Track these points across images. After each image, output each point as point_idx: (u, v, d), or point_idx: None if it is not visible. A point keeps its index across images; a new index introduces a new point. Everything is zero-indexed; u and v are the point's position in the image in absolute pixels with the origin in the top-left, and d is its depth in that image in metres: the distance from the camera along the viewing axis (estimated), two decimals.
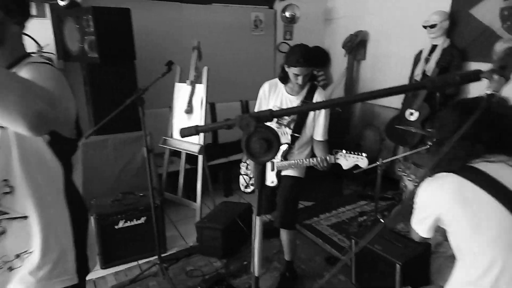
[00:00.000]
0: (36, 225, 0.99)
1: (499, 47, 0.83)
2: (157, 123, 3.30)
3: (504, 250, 0.99)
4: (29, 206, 0.98)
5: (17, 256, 1.01)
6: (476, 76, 0.69)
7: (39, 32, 2.92)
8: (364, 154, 1.96)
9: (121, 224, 2.52)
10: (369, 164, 2.70)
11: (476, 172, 1.07)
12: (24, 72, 0.91)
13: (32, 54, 1.05)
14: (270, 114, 0.80)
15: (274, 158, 0.81)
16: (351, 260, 2.29)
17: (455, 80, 0.69)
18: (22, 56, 1.00)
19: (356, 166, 1.99)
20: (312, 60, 2.06)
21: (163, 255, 2.55)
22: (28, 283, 1.02)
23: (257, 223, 0.92)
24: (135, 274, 2.44)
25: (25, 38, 1.05)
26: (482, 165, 1.07)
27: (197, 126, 0.89)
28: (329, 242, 2.80)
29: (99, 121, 2.22)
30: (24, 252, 1.01)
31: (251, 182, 2.41)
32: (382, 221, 2.65)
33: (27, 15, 1.01)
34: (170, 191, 3.42)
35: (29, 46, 1.28)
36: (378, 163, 2.70)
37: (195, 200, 3.10)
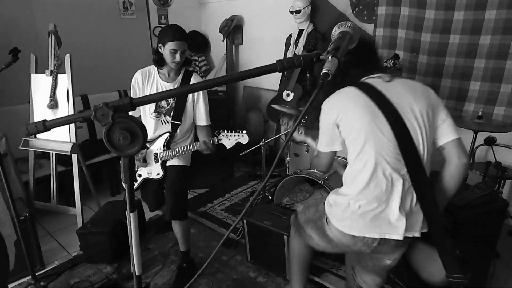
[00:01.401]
0: None
1: (334, 31, 1.01)
2: (14, 122, 2.78)
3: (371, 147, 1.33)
4: None
5: None
6: (317, 57, 0.78)
7: None
8: (244, 131, 2.03)
9: None
10: (253, 144, 2.84)
11: (365, 85, 1.38)
12: None
13: None
14: (130, 102, 0.75)
15: (140, 149, 0.76)
16: (244, 239, 2.39)
17: (299, 61, 0.77)
18: None
19: (239, 144, 2.05)
20: (186, 36, 2.03)
21: (39, 272, 2.22)
22: None
23: (131, 219, 0.87)
24: None
25: None
26: (369, 80, 1.40)
27: (45, 121, 0.79)
28: (225, 226, 2.86)
29: None
30: None
31: (137, 175, 2.27)
32: (270, 197, 2.82)
33: None
34: (43, 199, 2.98)
35: None
36: (261, 143, 2.86)
37: (75, 206, 2.77)
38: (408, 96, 1.35)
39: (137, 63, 2.92)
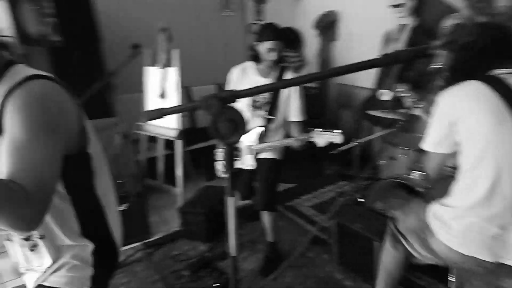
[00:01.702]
0: (49, 247, 0.97)
1: (447, 23, 0.94)
2: (131, 109, 3.18)
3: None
4: (46, 228, 0.95)
5: (37, 267, 1.01)
6: (425, 51, 0.72)
7: None
8: (338, 131, 1.97)
9: None
10: (346, 144, 2.77)
11: (494, 80, 1.17)
12: (8, 115, 0.78)
13: (13, 63, 0.88)
14: (233, 94, 0.80)
15: (241, 139, 0.81)
16: (333, 239, 2.35)
17: (405, 56, 0.72)
18: (1, 72, 0.84)
19: (332, 144, 2.01)
20: (282, 35, 2.09)
21: (147, 240, 2.52)
22: None
23: (229, 204, 0.93)
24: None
25: None
26: (501, 74, 1.17)
27: (162, 108, 0.87)
28: (311, 223, 2.86)
29: None
30: (40, 266, 1.00)
31: None
32: (362, 200, 2.73)
33: None
34: (151, 177, 3.34)
35: None
36: (353, 143, 2.77)
37: (176, 185, 3.06)
38: None
39: (233, 58, 3.09)
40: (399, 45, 3.31)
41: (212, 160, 3.69)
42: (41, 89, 0.81)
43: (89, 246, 1.02)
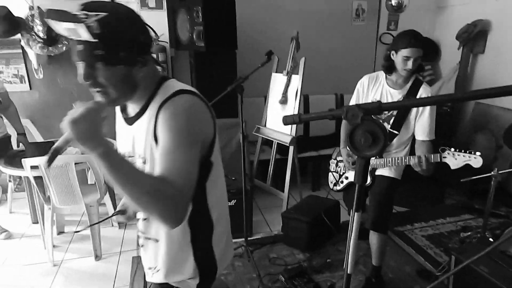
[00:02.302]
0: (163, 249, 1.08)
1: None
2: (252, 112, 3.41)
3: None
4: (160, 232, 1.07)
5: (149, 268, 1.16)
6: None
7: (157, 22, 3.24)
8: (477, 153, 1.74)
9: None
10: (479, 172, 2.39)
11: None
12: (160, 125, 0.91)
13: (165, 79, 1.01)
14: (379, 106, 0.76)
15: (379, 153, 0.76)
16: (448, 279, 2.07)
17: None
18: (157, 87, 0.98)
19: (467, 166, 1.76)
20: (423, 42, 1.91)
21: (249, 238, 2.66)
22: None
23: (355, 219, 0.89)
24: None
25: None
26: None
27: (300, 114, 0.89)
28: (423, 254, 2.57)
29: None
30: (154, 267, 1.15)
31: (340, 180, 2.34)
32: (491, 240, 2.32)
33: (148, 51, 0.95)
34: (260, 179, 3.52)
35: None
36: (493, 172, 2.36)
37: (282, 190, 3.14)
38: None
39: (359, 69, 2.98)
40: None
41: (319, 170, 3.69)
42: (186, 103, 0.93)
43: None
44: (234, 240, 2.81)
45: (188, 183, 0.89)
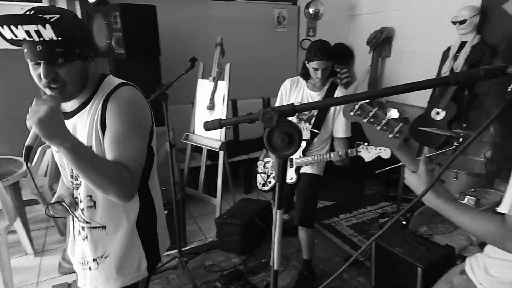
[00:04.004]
0: (112, 233, 1.13)
1: None
2: (179, 119, 3.35)
3: None
4: (106, 218, 1.12)
5: (94, 260, 1.16)
6: (502, 71, 0.66)
7: None
8: (385, 146, 1.92)
9: None
10: (391, 163, 2.65)
11: None
12: (109, 114, 1.01)
13: (105, 75, 1.10)
14: (292, 108, 0.80)
15: (295, 152, 0.81)
16: (370, 262, 2.26)
17: (479, 75, 0.66)
18: (99, 82, 1.07)
19: (378, 160, 1.96)
20: (330, 53, 2.07)
21: (183, 249, 2.60)
22: (103, 280, 1.16)
23: (277, 216, 0.92)
24: None
25: None
26: None
27: (220, 119, 0.90)
28: (349, 243, 2.77)
29: None
30: (101, 256, 1.15)
31: (268, 180, 2.42)
32: (404, 223, 2.58)
33: (93, 47, 1.08)
34: (191, 187, 3.47)
35: None
36: (401, 163, 2.63)
37: (215, 196, 3.13)
38: None
39: (282, 73, 3.11)
40: (459, 62, 3.13)
41: (250, 173, 3.76)
42: (131, 94, 1.05)
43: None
44: (167, 253, 2.73)
45: (139, 166, 1.04)
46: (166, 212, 2.60)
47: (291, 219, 2.61)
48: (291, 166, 2.27)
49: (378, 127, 0.97)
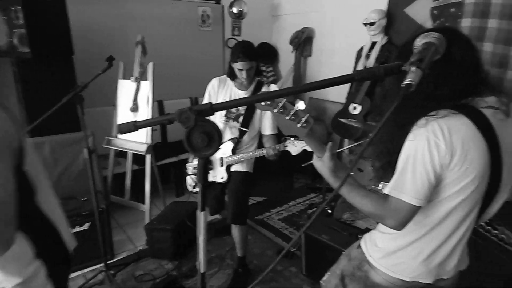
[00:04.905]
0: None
1: (418, 42, 0.87)
2: (100, 123, 3.13)
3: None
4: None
5: None
6: (397, 68, 0.75)
7: None
8: None
9: None
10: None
11: (477, 115, 0.97)
12: None
13: None
14: (210, 108, 0.79)
15: (215, 152, 0.80)
16: (301, 251, 2.36)
17: (380, 72, 0.75)
18: None
19: (305, 154, 2.04)
20: (253, 54, 2.11)
21: (110, 261, 2.44)
22: None
23: (201, 218, 0.91)
24: (78, 284, 2.30)
25: None
26: (483, 108, 0.99)
27: (135, 121, 0.85)
28: (281, 236, 2.86)
29: (33, 122, 2.05)
30: None
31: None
32: (329, 211, 2.75)
33: None
34: (118, 194, 3.27)
35: None
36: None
37: (143, 202, 2.99)
38: None
39: (209, 72, 3.08)
40: (370, 61, 3.42)
41: (181, 175, 3.67)
42: None
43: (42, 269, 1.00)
44: (90, 268, 2.53)
45: (3, 205, 0.81)
46: (88, 224, 2.42)
47: (223, 218, 2.60)
48: (222, 165, 2.27)
49: (287, 117, 1.06)
